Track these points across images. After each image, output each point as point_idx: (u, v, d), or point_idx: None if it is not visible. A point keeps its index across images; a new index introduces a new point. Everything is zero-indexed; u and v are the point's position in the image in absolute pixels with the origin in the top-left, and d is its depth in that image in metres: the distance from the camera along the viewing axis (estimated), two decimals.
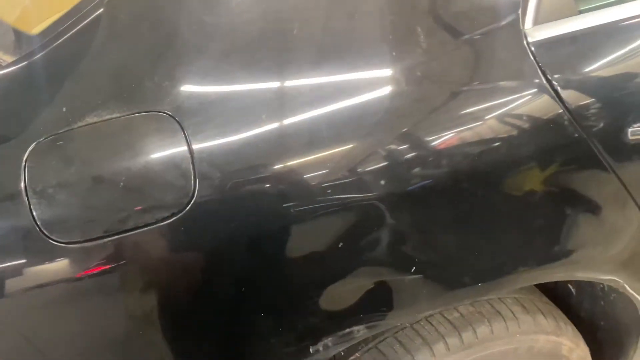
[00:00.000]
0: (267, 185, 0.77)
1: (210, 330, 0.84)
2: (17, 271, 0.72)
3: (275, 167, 0.77)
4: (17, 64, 0.79)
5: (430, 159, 0.82)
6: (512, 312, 1.09)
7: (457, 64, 0.85)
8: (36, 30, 0.83)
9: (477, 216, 0.89)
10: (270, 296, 0.82)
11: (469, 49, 0.87)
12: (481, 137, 0.84)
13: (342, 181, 0.79)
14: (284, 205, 0.77)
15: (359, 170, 0.79)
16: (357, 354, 1.03)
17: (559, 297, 1.29)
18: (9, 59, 0.86)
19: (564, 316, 1.19)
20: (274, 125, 0.78)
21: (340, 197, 0.79)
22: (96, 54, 0.79)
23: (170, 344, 0.82)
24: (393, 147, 0.81)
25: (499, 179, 0.87)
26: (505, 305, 1.10)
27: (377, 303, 0.88)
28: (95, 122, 0.74)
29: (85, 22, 0.79)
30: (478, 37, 0.87)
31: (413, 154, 0.81)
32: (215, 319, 0.83)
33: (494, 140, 0.85)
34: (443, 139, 0.83)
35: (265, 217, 0.78)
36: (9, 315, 0.74)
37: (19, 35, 0.91)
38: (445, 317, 1.05)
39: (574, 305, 1.28)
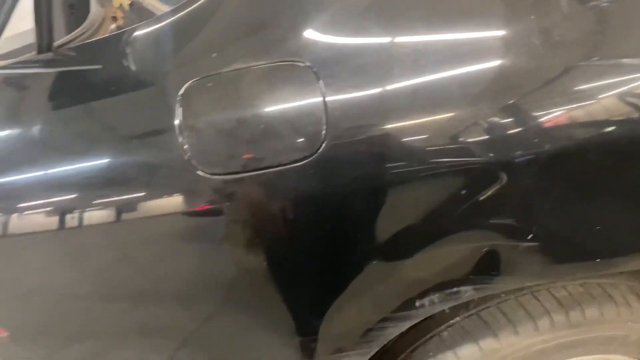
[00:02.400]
0: (393, 139, 0.80)
1: (322, 273, 0.90)
2: (163, 197, 0.82)
3: (404, 122, 0.80)
4: (176, 13, 0.88)
5: (564, 126, 0.81)
6: (626, 299, 1.05)
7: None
8: None
9: (601, 190, 0.86)
10: (384, 245, 0.85)
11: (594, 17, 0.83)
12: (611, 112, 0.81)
13: (468, 141, 0.80)
14: (406, 160, 0.80)
15: (489, 132, 0.80)
16: (457, 318, 1.05)
17: None
18: (165, 8, 0.96)
19: None
20: (405, 82, 0.80)
21: (463, 158, 0.81)
22: (245, 6, 0.86)
23: (281, 287, 0.89)
24: (525, 107, 0.80)
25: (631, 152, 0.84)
26: (618, 291, 1.05)
27: (487, 266, 0.88)
28: (241, 69, 0.81)
29: None
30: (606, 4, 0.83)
31: (544, 118, 0.80)
32: (329, 261, 0.88)
33: (625, 113, 0.81)
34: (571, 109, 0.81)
35: (387, 169, 0.81)
36: (141, 239, 0.85)
37: None
38: (552, 294, 1.03)
39: None
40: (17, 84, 1.01)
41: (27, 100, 0.96)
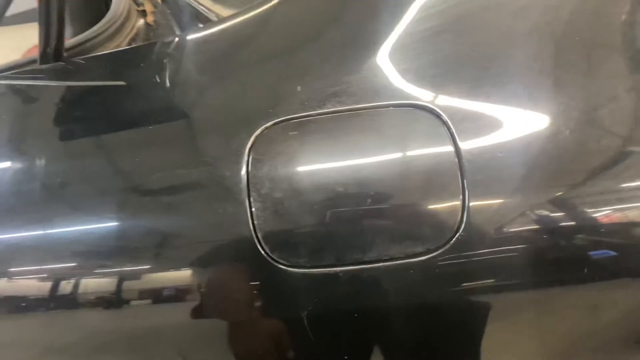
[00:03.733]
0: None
1: None
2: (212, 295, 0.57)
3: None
4: (238, 18, 0.62)
5: None
6: None
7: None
8: None
9: None
10: None
11: None
12: None
13: None
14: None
15: None
16: None
17: None
18: (218, 8, 0.70)
19: None
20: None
21: None
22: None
23: None
24: None
25: None
26: None
27: None
28: (338, 111, 0.56)
29: None
30: None
31: None
32: None
33: None
34: None
35: None
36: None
37: None
38: None
39: None
40: (16, 99, 0.75)
41: (27, 123, 0.71)
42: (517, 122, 0.55)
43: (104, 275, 0.58)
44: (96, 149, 0.62)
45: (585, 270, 0.55)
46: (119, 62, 0.75)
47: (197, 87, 0.63)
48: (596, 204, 0.54)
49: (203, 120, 0.61)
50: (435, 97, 0.56)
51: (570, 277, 0.56)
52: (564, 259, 0.55)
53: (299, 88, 0.58)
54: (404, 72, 0.57)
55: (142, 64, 0.70)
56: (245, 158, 0.55)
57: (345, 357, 0.57)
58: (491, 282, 0.55)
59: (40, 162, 0.61)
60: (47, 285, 0.59)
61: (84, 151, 0.63)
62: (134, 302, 0.58)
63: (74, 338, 0.62)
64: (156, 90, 0.65)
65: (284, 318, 0.56)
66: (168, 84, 0.65)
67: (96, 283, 0.59)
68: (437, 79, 0.56)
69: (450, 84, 0.56)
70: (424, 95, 0.56)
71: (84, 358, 0.63)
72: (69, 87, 0.74)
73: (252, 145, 0.55)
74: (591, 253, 0.55)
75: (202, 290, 0.56)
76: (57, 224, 0.59)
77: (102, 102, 0.68)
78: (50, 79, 0.73)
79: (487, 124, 0.55)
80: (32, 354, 0.64)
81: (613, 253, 0.55)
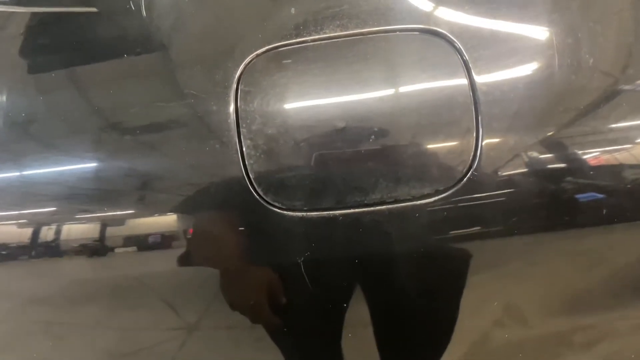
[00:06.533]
0: None
1: None
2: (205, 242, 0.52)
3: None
4: None
5: None
6: None
7: None
8: None
9: None
10: None
11: None
12: None
13: None
14: None
15: None
16: None
17: None
18: None
19: None
20: None
21: None
22: None
23: None
24: None
25: None
26: None
27: None
28: (336, 37, 0.49)
29: None
30: None
31: None
32: None
33: None
34: None
35: None
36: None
37: None
38: None
39: None
40: None
41: None
42: (537, 50, 0.49)
43: (84, 220, 0.53)
44: (66, 82, 0.56)
45: (604, 212, 0.51)
46: None
47: (176, 12, 0.56)
48: (622, 142, 0.50)
49: (184, 48, 0.54)
50: (448, 20, 0.49)
51: (586, 220, 0.52)
52: (581, 202, 0.51)
53: (293, 10, 0.51)
54: None
55: None
56: (234, 90, 0.49)
57: (344, 305, 0.54)
58: (503, 226, 0.51)
59: (3, 98, 0.55)
60: (25, 232, 0.54)
61: (53, 85, 0.56)
62: (117, 250, 0.53)
63: (56, 288, 0.58)
64: (131, 17, 0.58)
65: (278, 265, 0.52)
66: (143, 10, 0.58)
67: (76, 229, 0.54)
68: None
69: (464, 4, 0.50)
70: (435, 18, 0.50)
71: (66, 309, 0.59)
72: (34, 14, 0.66)
73: (240, 76, 0.49)
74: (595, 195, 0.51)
75: (189, 236, 0.51)
76: (27, 165, 0.53)
77: (72, 30, 0.61)
78: (13, 4, 0.65)
79: (504, 52, 0.49)
80: (13, 306, 0.60)
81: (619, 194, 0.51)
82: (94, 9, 0.63)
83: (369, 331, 0.56)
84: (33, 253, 0.55)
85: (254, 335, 0.56)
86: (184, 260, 0.51)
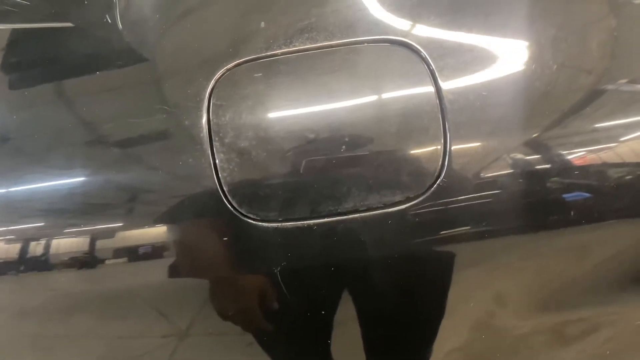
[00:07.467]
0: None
1: None
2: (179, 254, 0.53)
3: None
4: None
5: None
6: None
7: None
8: None
9: None
10: None
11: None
12: None
13: None
14: None
15: None
16: None
17: None
18: None
19: None
20: None
21: None
22: None
23: None
24: None
25: None
26: None
27: None
28: (306, 49, 0.50)
29: None
30: None
31: None
32: None
33: None
34: None
35: None
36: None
37: None
38: None
39: None
40: None
41: None
42: (502, 57, 0.50)
43: (68, 234, 0.54)
44: (41, 97, 0.56)
45: (572, 213, 0.52)
46: (65, 1, 0.67)
47: (149, 27, 0.56)
48: (589, 143, 0.51)
49: (157, 63, 0.54)
50: (414, 31, 0.50)
51: (556, 221, 0.53)
52: (550, 202, 0.52)
53: (262, 24, 0.52)
54: (380, 3, 0.51)
55: (88, 2, 0.62)
56: (206, 104, 0.50)
57: (322, 312, 0.55)
58: (474, 229, 0.52)
59: None
60: (14, 247, 0.55)
61: (27, 101, 0.56)
62: (107, 261, 0.54)
63: (46, 300, 0.58)
64: (105, 31, 0.58)
65: (255, 275, 0.53)
66: (119, 24, 0.58)
67: (62, 243, 0.54)
68: (415, 10, 0.51)
69: (429, 15, 0.51)
70: (401, 29, 0.51)
71: (57, 320, 0.59)
72: (11, 30, 0.66)
73: (212, 90, 0.50)
74: (574, 195, 0.52)
75: (170, 248, 0.52)
76: (6, 181, 0.54)
77: (47, 46, 0.61)
78: None
79: (470, 60, 0.50)
80: (3, 318, 0.60)
81: (591, 195, 0.52)
82: (69, 24, 0.64)
83: (356, 336, 0.57)
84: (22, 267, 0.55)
85: (245, 340, 0.57)
86: (170, 271, 0.52)
